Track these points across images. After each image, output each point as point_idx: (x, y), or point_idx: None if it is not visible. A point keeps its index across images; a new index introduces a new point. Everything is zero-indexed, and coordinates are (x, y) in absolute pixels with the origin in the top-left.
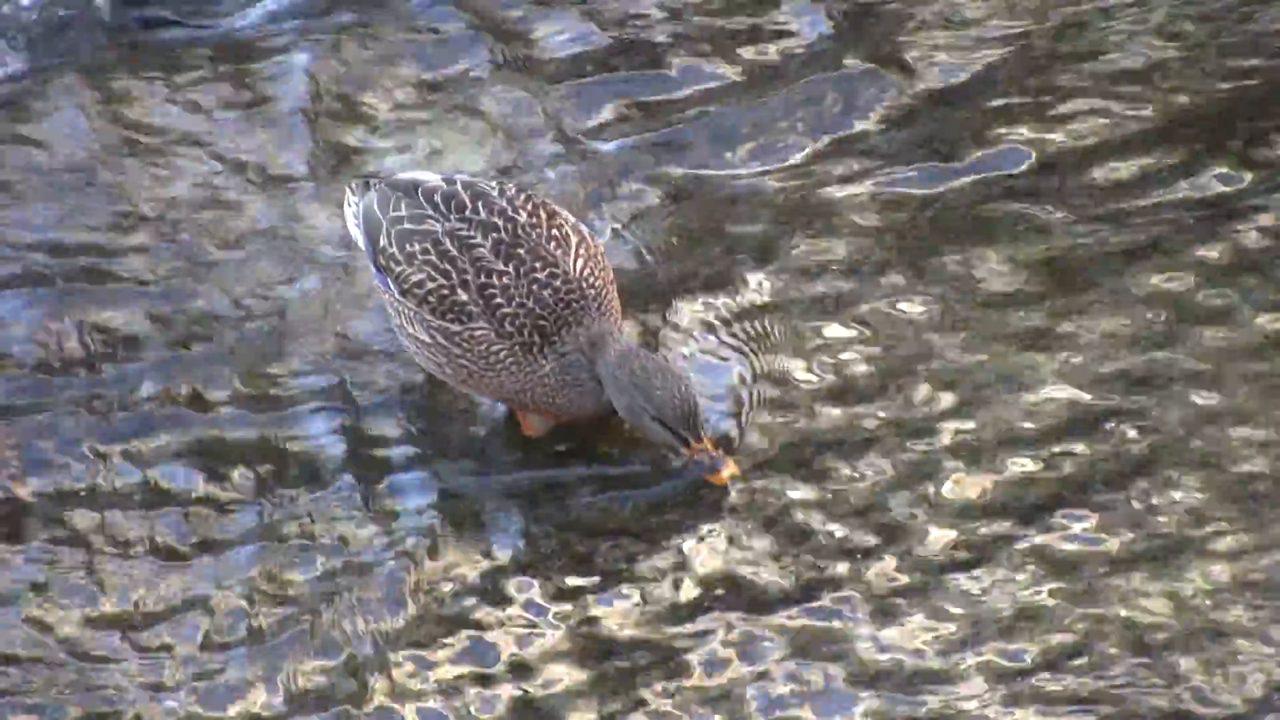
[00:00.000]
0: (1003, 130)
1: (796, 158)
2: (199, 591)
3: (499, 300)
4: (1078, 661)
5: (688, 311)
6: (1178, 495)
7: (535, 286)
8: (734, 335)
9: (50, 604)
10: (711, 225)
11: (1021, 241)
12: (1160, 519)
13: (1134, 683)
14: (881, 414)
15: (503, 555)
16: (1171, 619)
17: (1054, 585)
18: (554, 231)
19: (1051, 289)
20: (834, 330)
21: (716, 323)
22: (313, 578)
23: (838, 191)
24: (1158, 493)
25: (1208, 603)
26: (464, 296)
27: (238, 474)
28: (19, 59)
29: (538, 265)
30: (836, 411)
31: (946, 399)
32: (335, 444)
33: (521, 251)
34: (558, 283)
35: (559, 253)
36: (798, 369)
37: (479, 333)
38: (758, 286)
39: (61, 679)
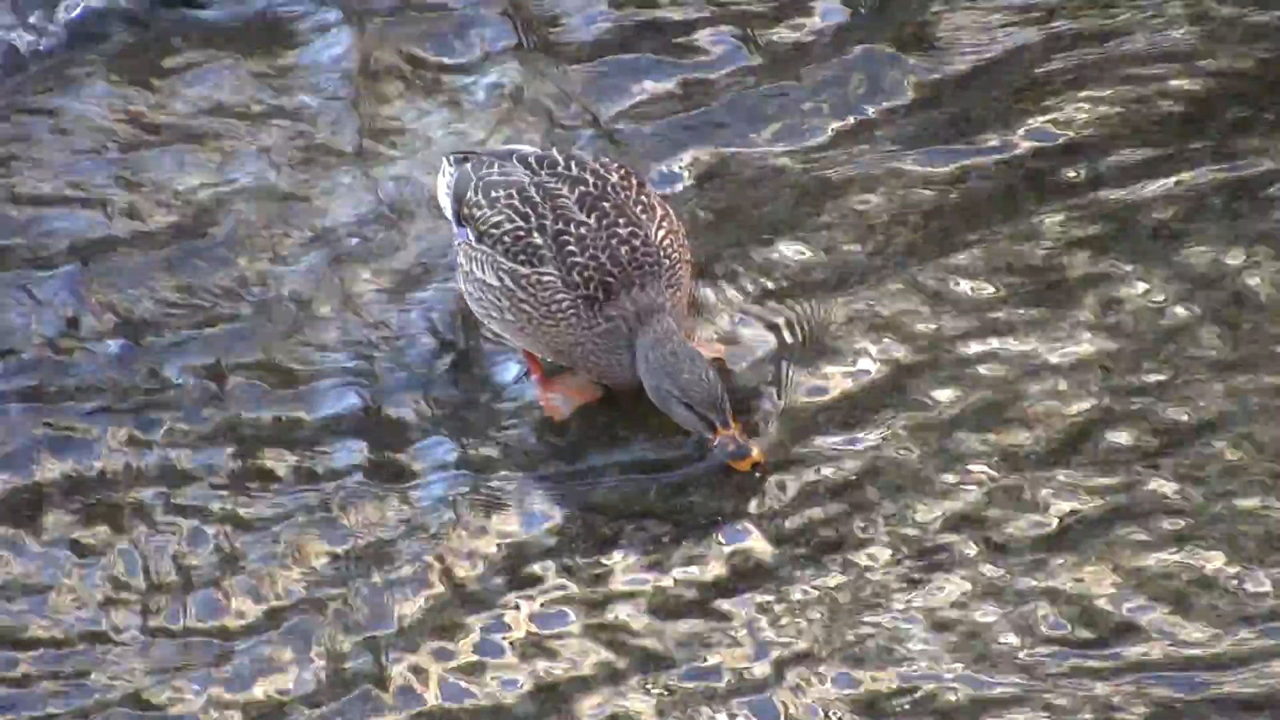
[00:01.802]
0: (1028, 110)
1: (822, 138)
2: (222, 573)
3: (573, 248)
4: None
5: (715, 290)
6: (1213, 468)
7: (615, 241)
8: (761, 315)
9: (74, 585)
10: (738, 205)
11: (1047, 221)
12: (1195, 489)
13: None
14: (905, 395)
15: (526, 537)
16: None
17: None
18: (642, 198)
19: (1078, 268)
20: (860, 311)
21: (745, 301)
22: (336, 559)
23: (863, 172)
24: (1193, 464)
25: None
26: (538, 240)
27: (260, 455)
28: (52, 40)
29: (620, 221)
30: (860, 392)
31: (972, 380)
32: (359, 425)
33: (606, 205)
34: (637, 242)
35: (644, 216)
36: (825, 349)
37: (546, 278)
38: (784, 266)
39: (86, 660)
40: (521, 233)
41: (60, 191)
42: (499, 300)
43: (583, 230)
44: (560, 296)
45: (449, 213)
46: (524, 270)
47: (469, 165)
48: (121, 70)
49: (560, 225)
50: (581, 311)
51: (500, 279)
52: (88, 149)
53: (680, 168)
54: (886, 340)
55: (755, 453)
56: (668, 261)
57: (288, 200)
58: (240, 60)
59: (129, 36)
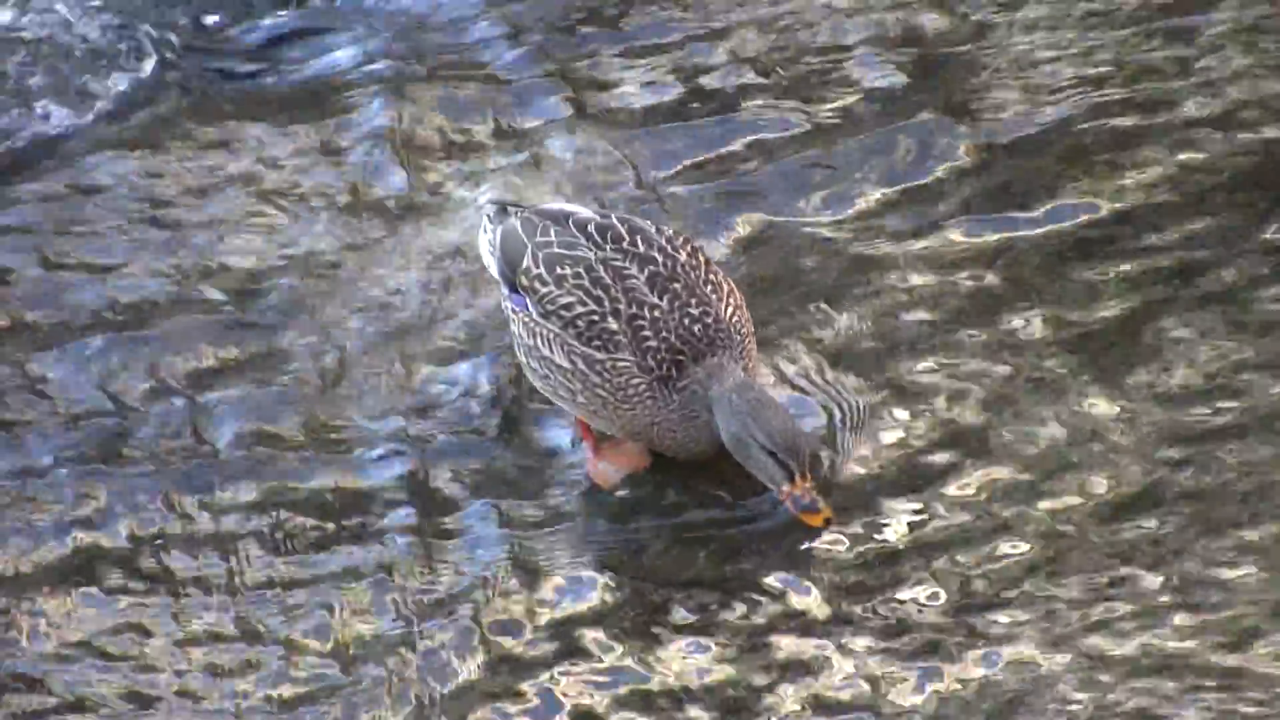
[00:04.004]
0: (1076, 180)
1: (868, 206)
2: (271, 639)
3: (647, 333)
4: None
5: (764, 358)
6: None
7: (687, 320)
8: (810, 382)
9: (124, 650)
10: (785, 273)
11: (1095, 294)
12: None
13: None
14: (958, 463)
15: (574, 605)
16: None
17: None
18: (710, 276)
19: (1123, 338)
20: (908, 379)
21: (793, 371)
22: (383, 627)
23: (910, 241)
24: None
25: None
26: (614, 325)
27: (307, 522)
28: (92, 106)
29: (692, 302)
30: (911, 461)
31: (1022, 453)
32: (405, 492)
33: (677, 286)
34: (709, 320)
35: (713, 296)
36: (875, 418)
37: (622, 364)
38: (832, 334)
39: None
40: (596, 318)
41: (107, 259)
42: (570, 382)
43: (656, 314)
44: (637, 381)
45: (494, 271)
46: (599, 356)
47: (516, 222)
48: (168, 138)
49: (634, 309)
50: (657, 392)
51: (572, 362)
52: (130, 213)
53: (726, 235)
54: (934, 410)
55: (826, 509)
56: (739, 337)
57: (335, 267)
58: (287, 127)
59: (177, 104)
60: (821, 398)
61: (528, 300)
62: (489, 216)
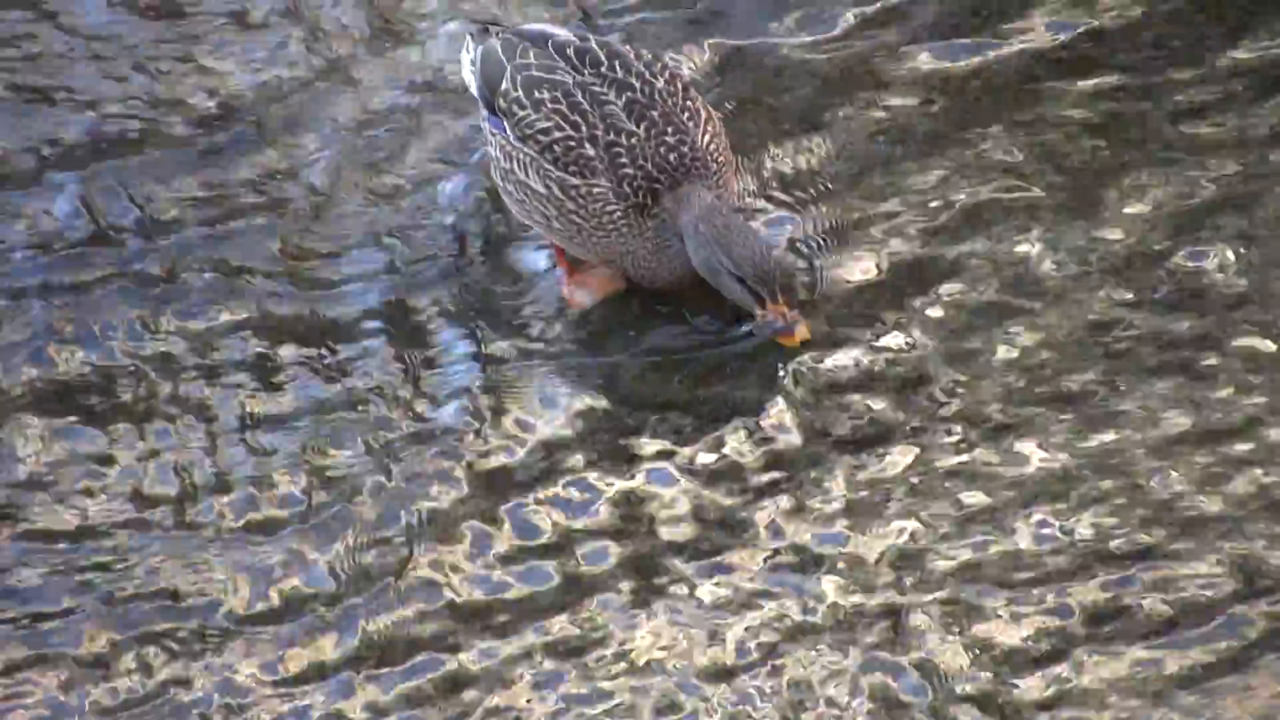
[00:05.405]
0: None
1: (843, 27)
2: (246, 467)
3: (624, 160)
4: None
5: (737, 181)
6: (1241, 343)
7: (662, 149)
8: (785, 205)
9: (97, 478)
10: (758, 95)
11: (1070, 108)
12: (1222, 380)
13: None
14: (927, 287)
15: (550, 430)
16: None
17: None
18: (687, 103)
19: (1099, 156)
20: (881, 204)
21: (768, 192)
22: (359, 453)
23: (885, 61)
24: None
25: None
26: (591, 151)
27: (284, 349)
28: None
29: (669, 130)
30: (880, 285)
31: (992, 271)
32: (382, 318)
33: (654, 114)
34: (684, 148)
35: (690, 123)
36: (846, 240)
37: (598, 190)
38: (806, 155)
39: (111, 552)
40: (573, 143)
41: (72, 90)
42: (545, 207)
43: (633, 140)
44: (611, 208)
45: (474, 90)
46: (574, 181)
47: (497, 44)
48: None
49: (612, 136)
50: (632, 220)
51: (548, 187)
52: (103, 41)
53: (701, 57)
54: (907, 233)
55: (803, 329)
56: (715, 165)
57: (305, 94)
58: None
59: None
60: (796, 220)
61: (505, 123)
62: (471, 35)
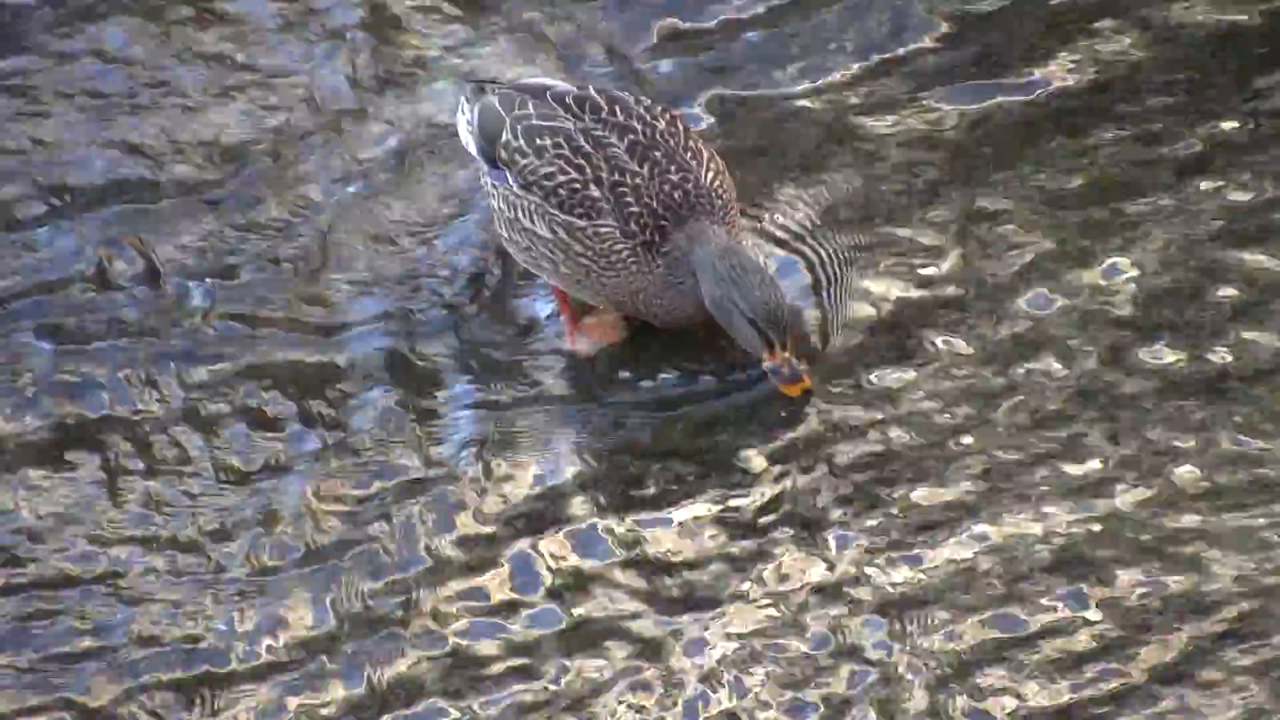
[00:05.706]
0: (1053, 48)
1: (845, 77)
2: (250, 513)
3: (629, 199)
4: None
5: (745, 224)
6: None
7: (667, 187)
8: (793, 249)
9: (102, 525)
10: (762, 144)
11: (1072, 159)
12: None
13: None
14: (937, 336)
15: (553, 478)
16: None
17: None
18: (689, 143)
19: (1100, 206)
20: (883, 252)
21: (774, 237)
22: (363, 499)
23: (887, 110)
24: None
25: None
26: (596, 193)
27: (289, 396)
28: None
29: (672, 169)
30: (888, 332)
31: (995, 320)
32: (386, 365)
33: (657, 154)
34: (689, 186)
35: (693, 162)
36: (858, 286)
37: (605, 230)
38: (810, 204)
39: (109, 599)
40: (577, 185)
41: (87, 135)
42: (552, 253)
43: (637, 180)
44: (620, 247)
45: (473, 149)
46: (581, 223)
47: (494, 99)
48: (138, 15)
49: (616, 176)
50: (641, 258)
51: (554, 231)
52: (111, 90)
53: (705, 106)
54: (913, 280)
55: (806, 379)
56: (720, 201)
57: (312, 141)
58: (256, 3)
59: None
60: (805, 265)
61: (507, 174)
62: (466, 95)
